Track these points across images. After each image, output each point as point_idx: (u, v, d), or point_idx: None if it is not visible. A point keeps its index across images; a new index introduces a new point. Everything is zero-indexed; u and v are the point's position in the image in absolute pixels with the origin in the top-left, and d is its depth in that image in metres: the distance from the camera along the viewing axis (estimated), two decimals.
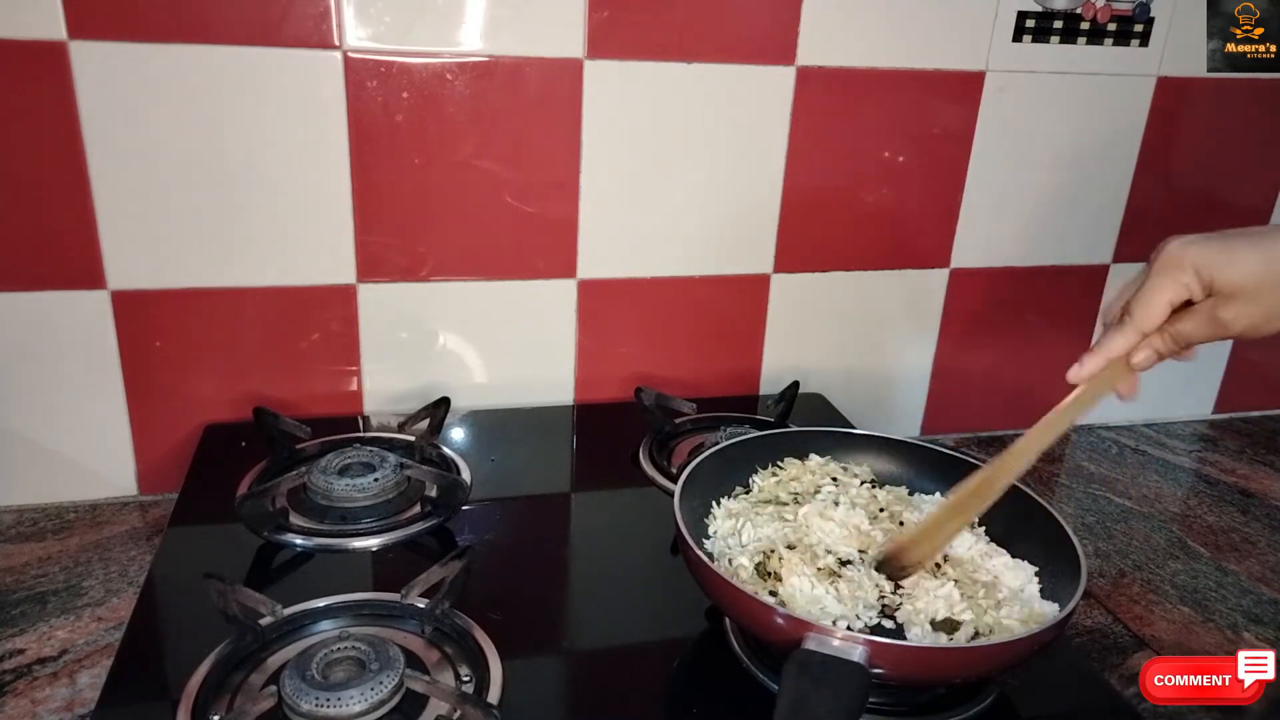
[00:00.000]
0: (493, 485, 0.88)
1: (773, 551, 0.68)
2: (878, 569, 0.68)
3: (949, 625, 0.64)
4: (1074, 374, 0.62)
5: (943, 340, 1.13)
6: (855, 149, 1.02)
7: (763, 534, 0.71)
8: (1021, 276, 1.13)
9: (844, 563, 0.69)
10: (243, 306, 0.91)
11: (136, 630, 0.68)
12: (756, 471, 0.79)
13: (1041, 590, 0.68)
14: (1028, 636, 0.59)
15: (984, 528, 0.74)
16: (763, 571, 0.67)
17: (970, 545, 0.71)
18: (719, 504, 0.75)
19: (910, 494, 0.79)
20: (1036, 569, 0.69)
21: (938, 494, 0.77)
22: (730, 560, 0.69)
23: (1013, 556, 0.71)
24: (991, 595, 0.66)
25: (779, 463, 0.80)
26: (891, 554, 0.67)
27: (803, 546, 0.69)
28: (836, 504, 0.74)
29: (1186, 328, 0.59)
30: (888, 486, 0.79)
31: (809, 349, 1.10)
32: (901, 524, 0.73)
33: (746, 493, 0.78)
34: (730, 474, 0.78)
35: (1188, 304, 0.59)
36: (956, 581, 0.67)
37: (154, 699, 0.61)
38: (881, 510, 0.75)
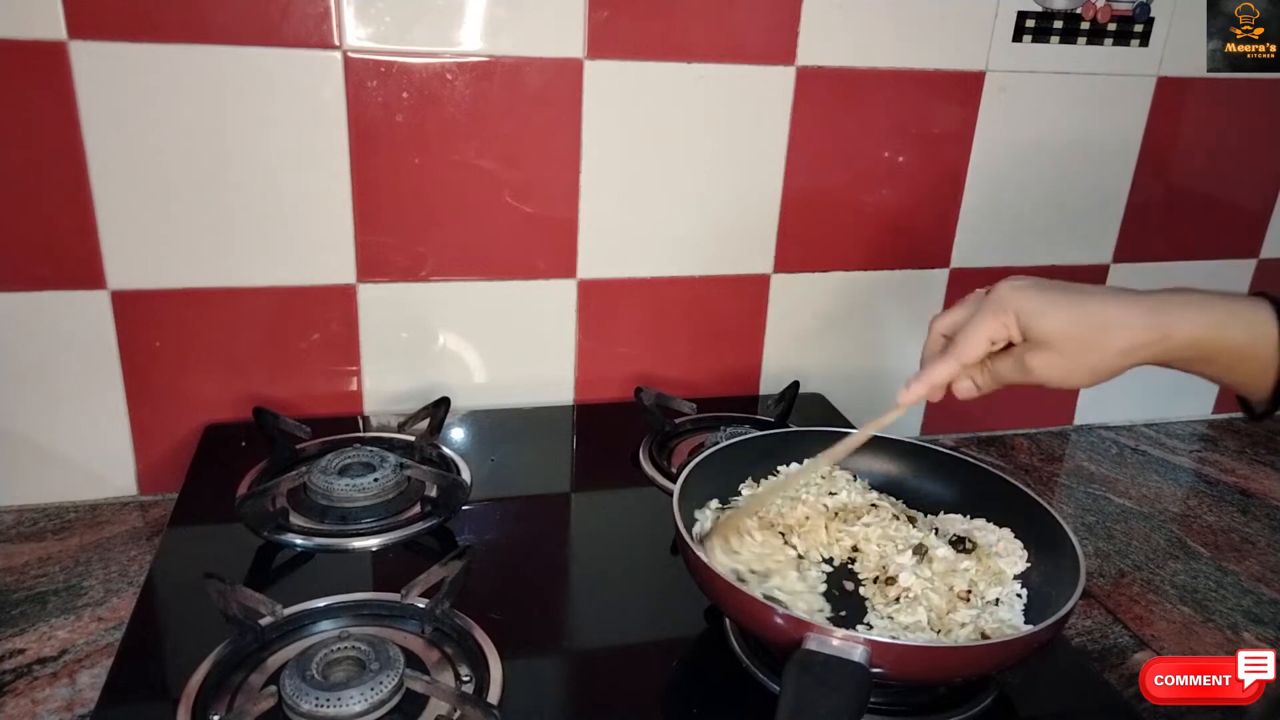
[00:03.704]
0: (493, 485, 0.89)
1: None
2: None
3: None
4: (902, 397, 0.64)
5: None
6: (855, 149, 1.02)
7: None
8: None
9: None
10: (243, 306, 0.91)
11: (136, 630, 0.68)
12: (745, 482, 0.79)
13: (1041, 590, 0.68)
14: (1027, 636, 0.59)
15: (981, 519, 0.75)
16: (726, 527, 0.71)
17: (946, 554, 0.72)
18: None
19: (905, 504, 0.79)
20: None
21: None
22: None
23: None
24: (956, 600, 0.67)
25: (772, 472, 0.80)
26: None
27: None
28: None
29: (1001, 368, 0.62)
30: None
31: (809, 349, 1.10)
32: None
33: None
34: (730, 474, 0.77)
35: (1009, 345, 0.61)
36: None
37: (154, 699, 0.61)
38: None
